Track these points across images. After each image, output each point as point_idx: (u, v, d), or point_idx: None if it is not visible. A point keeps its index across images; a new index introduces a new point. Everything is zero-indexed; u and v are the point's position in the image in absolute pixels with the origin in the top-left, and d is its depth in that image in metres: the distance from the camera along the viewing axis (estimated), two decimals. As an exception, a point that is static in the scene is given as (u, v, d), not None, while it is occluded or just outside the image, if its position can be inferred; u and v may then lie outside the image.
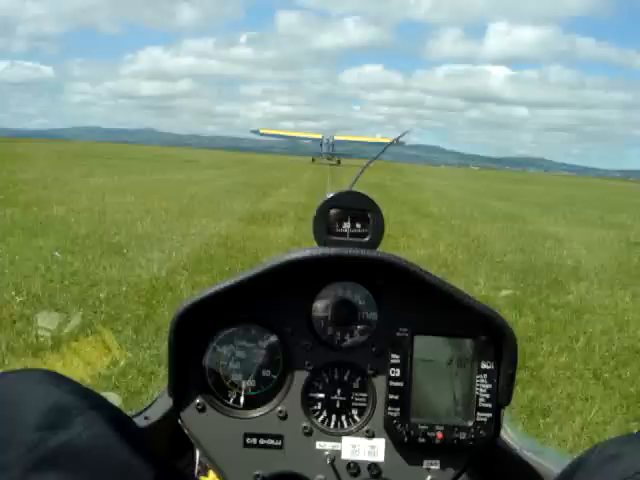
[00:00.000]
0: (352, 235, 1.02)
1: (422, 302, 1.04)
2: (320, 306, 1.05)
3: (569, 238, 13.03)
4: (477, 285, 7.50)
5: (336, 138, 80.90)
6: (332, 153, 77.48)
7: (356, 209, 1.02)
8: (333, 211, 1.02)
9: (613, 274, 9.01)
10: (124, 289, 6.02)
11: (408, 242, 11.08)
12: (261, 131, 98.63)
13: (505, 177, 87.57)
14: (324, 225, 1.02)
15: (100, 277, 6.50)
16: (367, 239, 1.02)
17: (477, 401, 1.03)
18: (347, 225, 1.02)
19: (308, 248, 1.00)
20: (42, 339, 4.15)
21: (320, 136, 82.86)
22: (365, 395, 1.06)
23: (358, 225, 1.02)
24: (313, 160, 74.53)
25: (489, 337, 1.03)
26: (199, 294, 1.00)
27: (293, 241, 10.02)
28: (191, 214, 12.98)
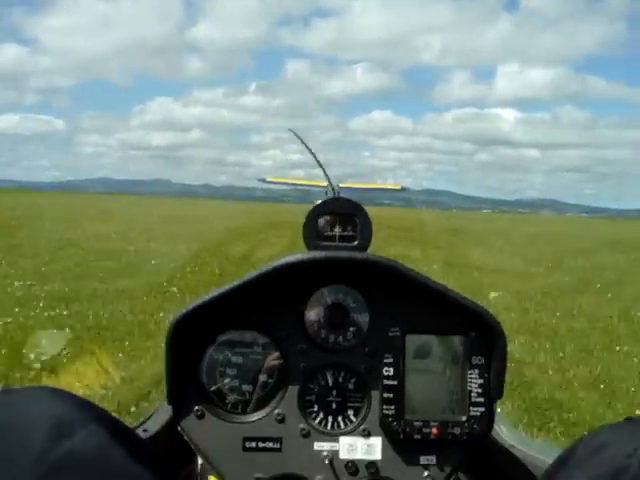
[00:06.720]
0: (341, 239, 1.06)
1: (412, 302, 1.07)
2: (313, 310, 1.10)
3: None
4: None
5: (341, 186, 75.20)
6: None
7: (344, 214, 1.07)
8: (322, 217, 1.07)
9: None
10: None
11: None
12: (267, 179, 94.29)
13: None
14: (313, 231, 1.07)
15: None
16: (356, 242, 1.06)
17: (470, 396, 1.06)
18: (336, 230, 1.06)
19: (299, 253, 1.03)
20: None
21: (325, 184, 77.34)
22: (360, 395, 1.10)
23: (347, 229, 1.06)
24: None
25: (478, 333, 1.06)
26: (194, 302, 1.02)
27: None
28: None
